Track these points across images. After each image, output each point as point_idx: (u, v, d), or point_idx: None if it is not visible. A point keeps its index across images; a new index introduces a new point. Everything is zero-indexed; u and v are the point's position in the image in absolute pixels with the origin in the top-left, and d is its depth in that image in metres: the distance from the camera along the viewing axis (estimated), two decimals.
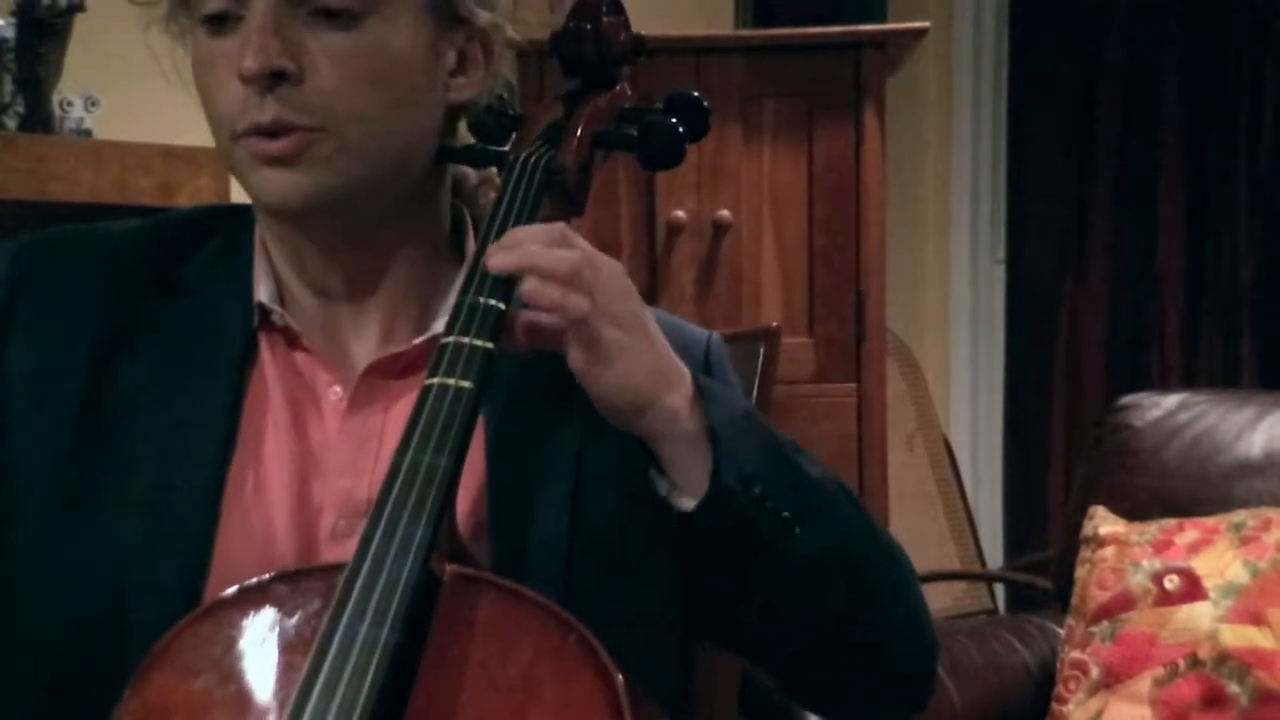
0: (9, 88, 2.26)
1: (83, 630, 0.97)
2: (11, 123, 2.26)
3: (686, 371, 0.98)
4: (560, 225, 0.96)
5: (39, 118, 2.26)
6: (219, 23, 0.98)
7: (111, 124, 2.34)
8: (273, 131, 0.97)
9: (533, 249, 0.93)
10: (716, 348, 1.14)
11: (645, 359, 0.95)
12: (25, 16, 2.24)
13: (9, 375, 1.03)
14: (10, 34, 2.25)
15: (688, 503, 0.95)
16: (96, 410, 1.01)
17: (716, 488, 0.94)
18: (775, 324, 2.18)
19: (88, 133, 2.32)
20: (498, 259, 0.94)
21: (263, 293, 1.04)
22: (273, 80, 0.95)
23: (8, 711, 1.00)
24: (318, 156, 0.97)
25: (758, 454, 0.96)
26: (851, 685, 1.05)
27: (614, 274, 0.95)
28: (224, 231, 1.08)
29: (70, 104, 2.32)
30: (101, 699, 0.89)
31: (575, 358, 0.94)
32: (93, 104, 2.33)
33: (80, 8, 2.25)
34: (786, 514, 0.96)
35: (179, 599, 0.95)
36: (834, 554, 0.98)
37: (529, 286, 0.93)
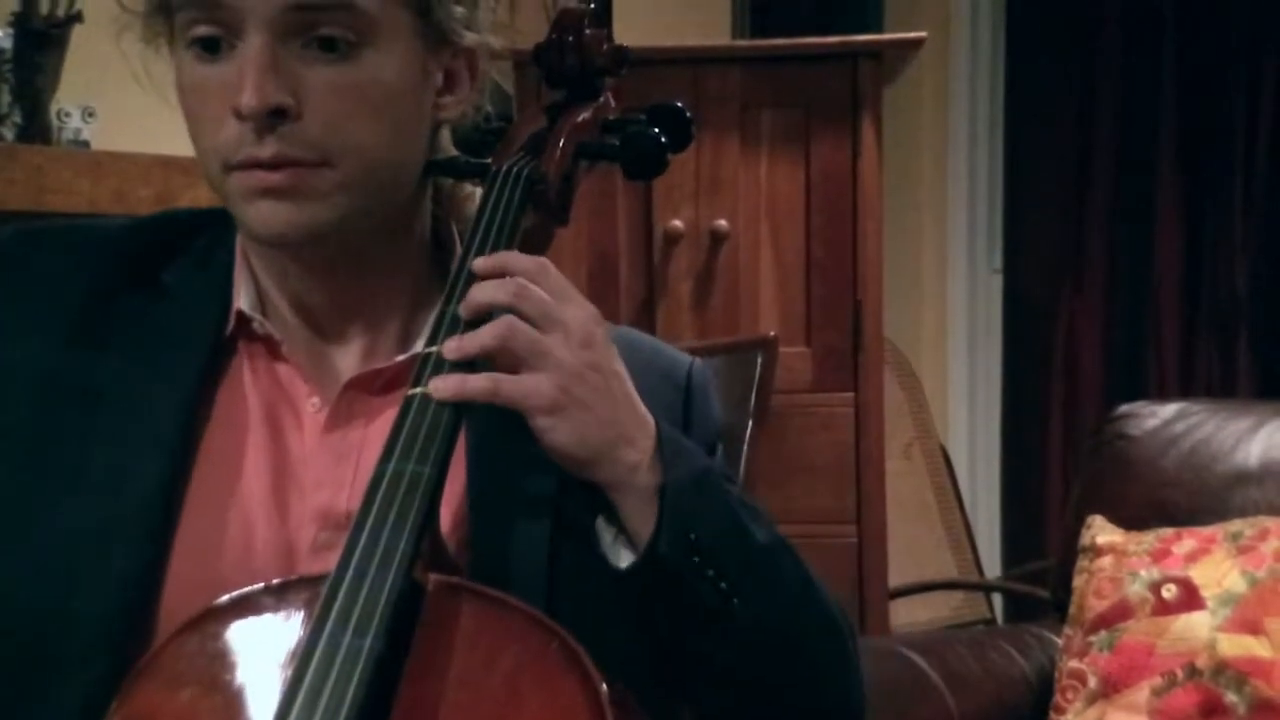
0: (6, 98, 2.27)
1: (29, 617, 0.96)
2: (9, 133, 2.26)
3: (650, 421, 0.95)
4: (502, 314, 0.93)
5: (36, 128, 2.27)
6: (209, 48, 0.95)
7: (109, 135, 2.34)
8: (272, 165, 0.95)
9: (449, 345, 0.91)
10: (698, 374, 1.11)
11: (600, 412, 0.92)
12: (23, 27, 2.25)
13: None
14: (8, 44, 2.25)
15: (625, 559, 0.94)
16: (60, 400, 1.00)
17: (652, 553, 0.92)
18: (773, 333, 2.17)
19: (85, 143, 2.33)
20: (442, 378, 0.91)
21: (243, 300, 1.04)
22: (272, 117, 0.93)
23: None
24: (316, 190, 0.95)
25: (706, 519, 0.94)
26: None
27: (569, 330, 0.92)
28: (207, 235, 1.08)
29: (68, 115, 2.32)
30: (44, 688, 0.89)
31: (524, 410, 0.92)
32: (90, 115, 2.33)
33: (78, 18, 2.25)
34: (724, 585, 0.94)
35: (127, 592, 0.95)
36: (770, 625, 0.97)
37: (433, 389, 0.90)
